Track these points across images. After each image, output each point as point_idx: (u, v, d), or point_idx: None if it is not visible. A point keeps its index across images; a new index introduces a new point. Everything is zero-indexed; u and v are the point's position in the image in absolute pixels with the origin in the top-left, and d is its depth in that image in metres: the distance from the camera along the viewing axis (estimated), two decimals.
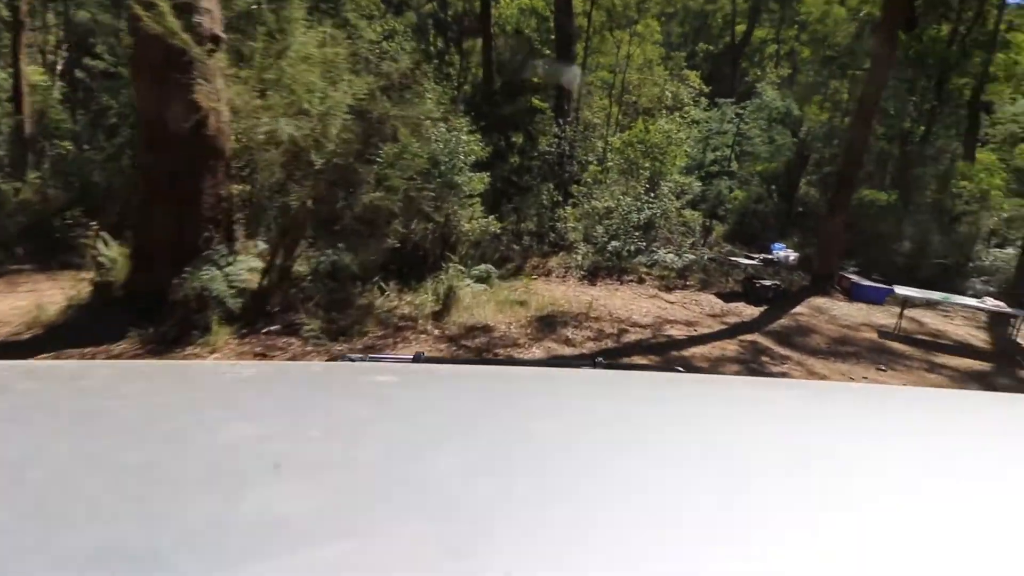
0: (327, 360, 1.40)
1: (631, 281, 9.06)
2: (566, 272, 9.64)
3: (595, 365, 1.05)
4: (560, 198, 11.15)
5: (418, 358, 1.05)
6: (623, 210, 10.00)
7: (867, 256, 11.99)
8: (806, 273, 9.91)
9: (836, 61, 17.36)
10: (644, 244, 9.95)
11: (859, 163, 9.49)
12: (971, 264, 12.12)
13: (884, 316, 8.00)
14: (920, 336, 7.20)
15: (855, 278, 9.32)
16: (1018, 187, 13.79)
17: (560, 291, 8.25)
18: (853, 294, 8.95)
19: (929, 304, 6.80)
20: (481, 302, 5.72)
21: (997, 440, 0.63)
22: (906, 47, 13.32)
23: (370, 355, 1.22)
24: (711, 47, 24.06)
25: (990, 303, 6.48)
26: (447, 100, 13.01)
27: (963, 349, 6.75)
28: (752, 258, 8.63)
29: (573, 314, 6.46)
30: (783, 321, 7.33)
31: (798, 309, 7.99)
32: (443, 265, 5.82)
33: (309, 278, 4.83)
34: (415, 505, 0.39)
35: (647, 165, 11.89)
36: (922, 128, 15.44)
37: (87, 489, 0.40)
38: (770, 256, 8.64)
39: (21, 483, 0.40)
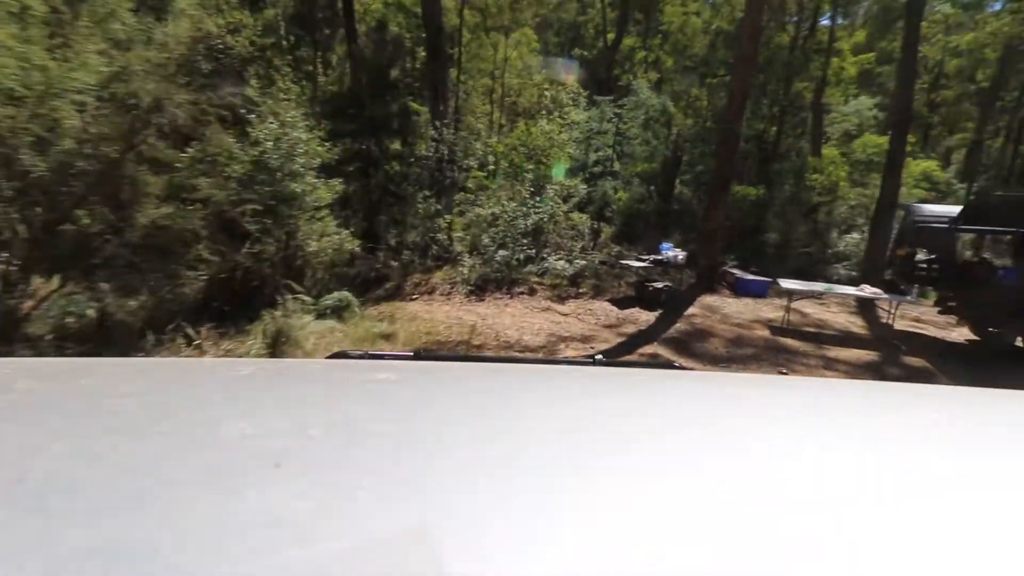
0: (327, 357, 1.18)
1: (522, 293, 8.27)
2: (452, 288, 8.62)
3: (594, 363, 1.03)
4: (440, 206, 10.11)
5: (418, 354, 1.03)
6: (508, 216, 9.23)
7: (743, 250, 12.43)
8: (692, 271, 9.87)
9: (696, 70, 18.35)
10: (534, 251, 9.28)
11: (733, 158, 9.60)
12: (829, 251, 13.08)
13: (770, 309, 7.99)
14: (807, 328, 7.20)
15: (738, 272, 9.38)
16: (859, 178, 15.27)
17: (442, 313, 7.20)
18: (738, 288, 8.95)
19: (812, 295, 6.78)
20: (329, 343, 4.48)
21: (998, 437, 0.63)
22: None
23: (369, 352, 1.12)
24: (586, 52, 24.62)
25: (868, 290, 6.57)
26: (305, 99, 11.47)
27: (848, 339, 6.81)
28: (642, 260, 8.26)
29: (452, 343, 5.44)
30: (679, 326, 6.95)
31: (691, 310, 7.70)
32: (278, 299, 4.50)
33: (50, 337, 3.24)
34: (415, 503, 0.39)
35: (531, 168, 11.34)
36: (774, 128, 16.72)
37: (87, 487, 0.39)
38: (659, 257, 8.31)
39: (21, 481, 0.40)
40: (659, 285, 7.83)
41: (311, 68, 13.58)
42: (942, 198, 14.18)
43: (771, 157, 16.00)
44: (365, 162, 11.25)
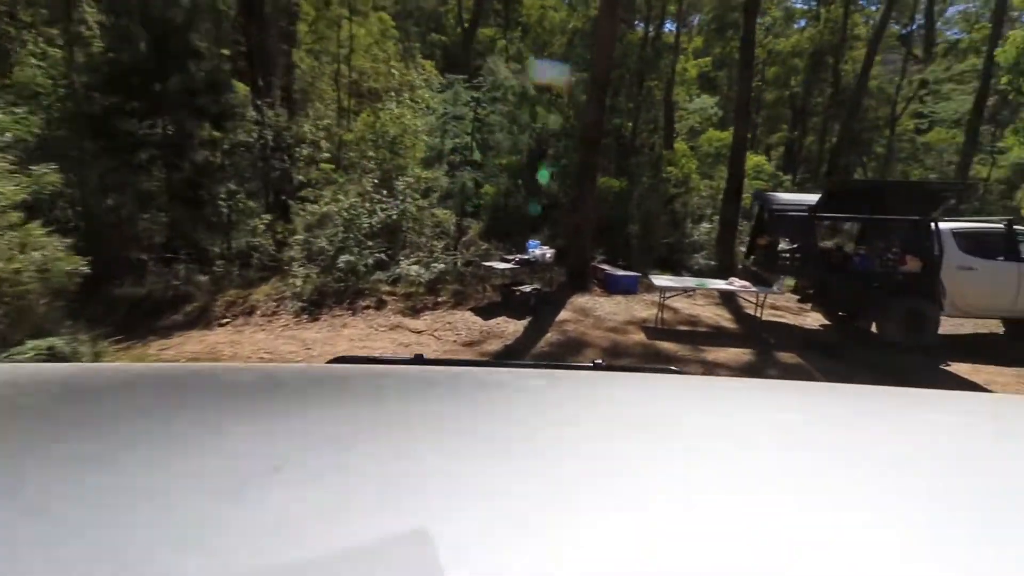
0: (327, 362, 0.98)
1: (368, 308, 6.79)
2: (278, 306, 6.82)
3: (593, 367, 1.04)
4: (259, 204, 8.15)
5: (418, 359, 1.03)
6: (347, 214, 7.65)
7: (610, 243, 12.20)
8: (562, 268, 9.18)
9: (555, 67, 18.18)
10: (390, 254, 7.84)
11: (598, 149, 9.05)
12: (687, 240, 13.46)
13: (642, 307, 7.49)
14: (681, 327, 6.76)
15: (608, 268, 8.87)
16: (706, 171, 16.12)
17: (252, 343, 5.46)
18: (609, 285, 8.42)
19: (684, 292, 6.34)
20: None
21: (999, 440, 0.63)
22: None
23: (369, 356, 1.12)
24: (444, 38, 23.43)
25: (738, 284, 6.26)
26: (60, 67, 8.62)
27: (721, 335, 6.48)
28: (508, 260, 7.24)
29: None
30: (551, 336, 6.04)
31: (563, 315, 6.88)
32: None
33: None
34: (414, 506, 0.39)
35: (381, 157, 9.81)
36: (631, 124, 17.13)
37: (87, 492, 0.40)
38: (526, 256, 7.37)
39: (21, 485, 0.40)
40: (527, 289, 6.89)
41: (82, 30, 10.46)
42: (776, 187, 15.45)
43: (629, 151, 16.33)
44: (165, 149, 8.78)
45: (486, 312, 6.87)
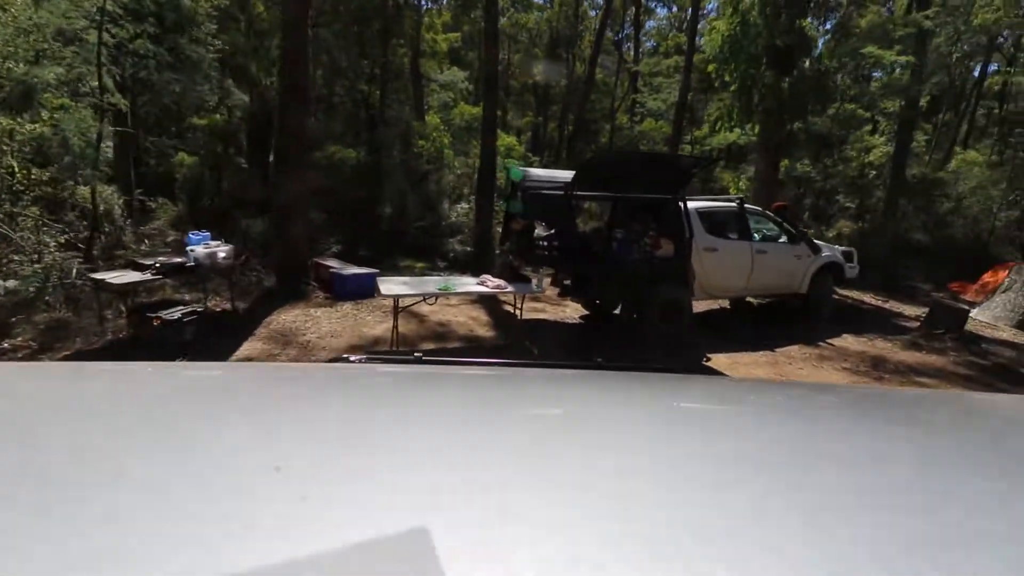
0: (327, 361, 1.21)
1: None
2: None
3: (595, 366, 1.01)
4: None
5: (419, 358, 0.99)
6: None
7: (349, 229, 9.93)
8: (269, 270, 6.57)
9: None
10: None
11: (302, 93, 6.58)
12: (444, 223, 12.07)
13: (376, 319, 5.53)
14: (425, 345, 5.01)
15: (336, 265, 6.60)
16: (461, 147, 15.02)
17: None
18: (336, 288, 6.20)
19: (424, 299, 4.58)
20: None
21: (999, 440, 0.63)
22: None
23: (370, 355, 1.07)
24: None
25: (491, 284, 4.76)
26: None
27: (476, 350, 4.94)
28: (144, 266, 4.34)
29: None
30: None
31: (246, 349, 4.42)
32: None
33: None
34: (416, 504, 0.38)
35: None
36: (378, 92, 14.99)
37: (86, 491, 0.39)
38: (180, 259, 4.56)
39: (21, 484, 0.40)
40: (176, 314, 4.16)
41: None
42: (528, 165, 15.25)
43: (378, 122, 14.19)
44: None
45: (103, 357, 3.97)
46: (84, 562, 0.31)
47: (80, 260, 5.46)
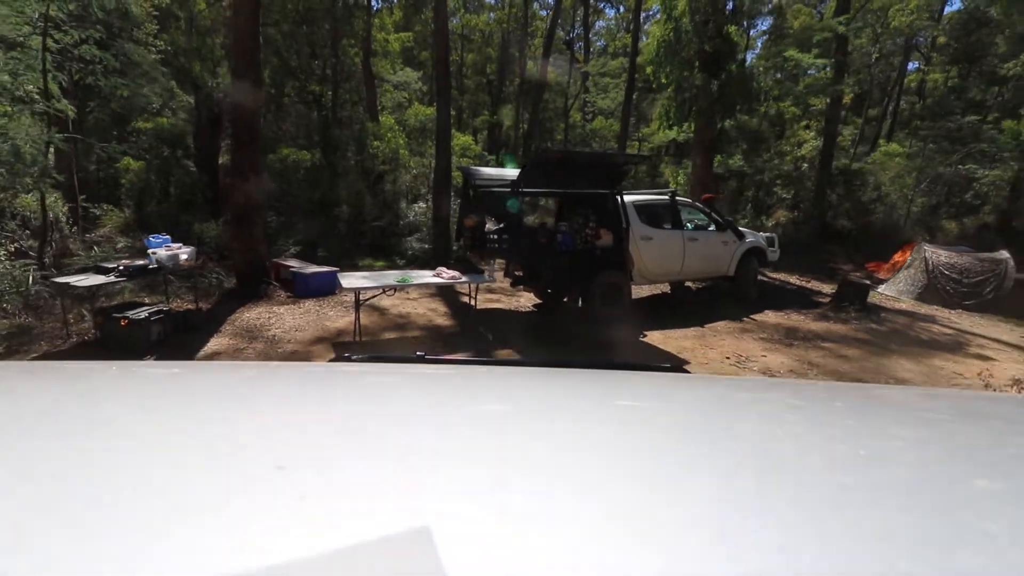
0: (329, 360, 1.17)
1: None
2: None
3: (599, 365, 1.02)
4: None
5: (422, 357, 1.02)
6: None
7: (307, 231, 10.05)
8: (229, 272, 6.72)
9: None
10: None
11: (257, 110, 6.74)
12: (402, 222, 12.29)
13: (339, 314, 5.81)
14: (387, 336, 5.33)
15: (296, 265, 6.82)
16: (416, 147, 15.19)
17: None
18: (298, 287, 6.43)
19: (384, 292, 4.92)
20: None
21: (999, 440, 0.63)
22: None
23: (372, 354, 1.09)
24: None
25: (446, 275, 5.14)
26: None
27: (435, 338, 5.32)
28: (107, 269, 4.49)
29: None
30: None
31: (213, 345, 4.65)
32: None
33: None
34: (417, 503, 0.38)
35: None
36: (330, 93, 15.00)
37: (87, 490, 0.39)
38: (142, 262, 4.73)
39: (22, 482, 0.40)
40: (143, 314, 4.36)
41: None
42: (484, 165, 15.61)
43: (331, 123, 14.21)
44: None
45: (71, 358, 4.11)
46: (84, 562, 0.31)
47: (36, 267, 5.49)
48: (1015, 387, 3.35)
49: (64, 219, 8.37)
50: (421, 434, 0.54)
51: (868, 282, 7.89)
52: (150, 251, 4.85)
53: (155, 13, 10.69)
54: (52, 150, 9.49)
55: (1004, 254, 7.82)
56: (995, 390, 3.52)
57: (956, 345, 5.64)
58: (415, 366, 0.92)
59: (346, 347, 4.81)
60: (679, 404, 0.74)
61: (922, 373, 4.66)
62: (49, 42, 6.48)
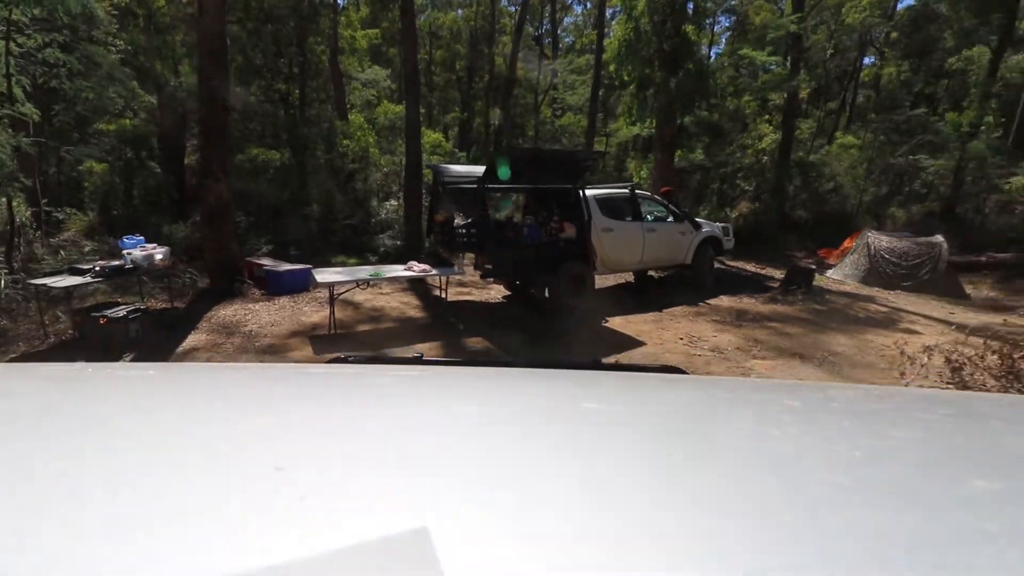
0: (327, 361, 1.07)
1: None
2: None
3: (595, 365, 1.03)
4: None
5: (419, 359, 1.03)
6: None
7: (278, 230, 10.12)
8: (202, 272, 6.82)
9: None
10: None
11: (223, 111, 6.82)
12: (373, 220, 12.41)
13: (314, 308, 6.00)
14: (361, 328, 5.56)
15: (269, 263, 6.96)
16: (387, 145, 15.27)
17: None
18: (272, 285, 6.58)
19: (357, 285, 5.14)
20: None
21: (999, 440, 0.62)
22: None
23: (371, 355, 1.11)
24: None
25: (417, 268, 5.41)
26: None
27: (408, 330, 5.57)
28: (83, 270, 4.60)
29: None
30: None
31: (191, 341, 4.80)
32: None
33: None
34: (416, 504, 0.38)
35: None
36: (297, 92, 14.93)
37: (87, 491, 0.39)
38: (118, 262, 4.85)
39: (22, 482, 0.40)
40: (120, 313, 4.49)
41: None
42: (454, 162, 15.78)
43: (299, 122, 14.16)
44: None
45: (51, 359, 4.22)
46: (84, 562, 0.31)
47: (6, 271, 5.52)
48: (926, 353, 3.80)
49: (28, 224, 8.28)
50: (420, 435, 0.54)
51: (814, 267, 8.45)
52: (125, 252, 4.96)
53: (114, 12, 10.53)
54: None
55: (939, 238, 8.47)
56: (909, 357, 3.97)
57: (889, 322, 6.17)
58: (413, 367, 0.93)
59: (321, 340, 5.02)
60: (677, 405, 0.74)
61: (854, 347, 5.14)
62: (12, 46, 6.45)
